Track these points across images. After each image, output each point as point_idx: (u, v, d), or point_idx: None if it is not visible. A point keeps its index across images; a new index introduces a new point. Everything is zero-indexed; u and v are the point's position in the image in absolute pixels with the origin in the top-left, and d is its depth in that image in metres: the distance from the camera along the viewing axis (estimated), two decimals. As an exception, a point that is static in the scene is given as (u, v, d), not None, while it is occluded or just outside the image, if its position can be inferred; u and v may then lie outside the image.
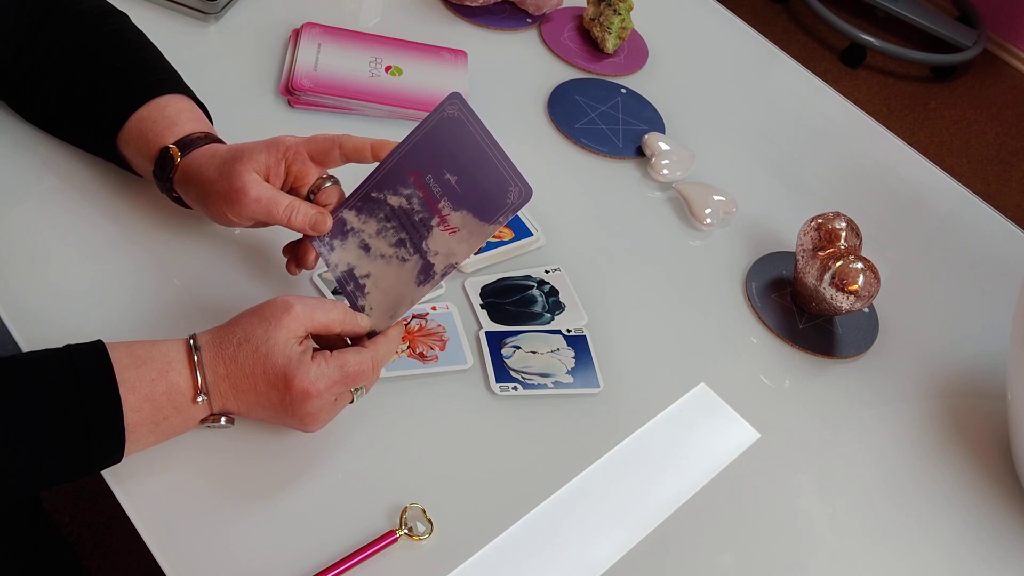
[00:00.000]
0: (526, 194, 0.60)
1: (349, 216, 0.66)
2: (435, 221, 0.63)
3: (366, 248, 0.65)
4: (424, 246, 0.63)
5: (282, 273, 0.73)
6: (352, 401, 0.64)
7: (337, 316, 0.62)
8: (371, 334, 0.65)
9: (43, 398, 0.55)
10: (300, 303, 0.60)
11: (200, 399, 0.59)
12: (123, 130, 0.71)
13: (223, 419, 0.61)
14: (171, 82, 0.74)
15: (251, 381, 0.59)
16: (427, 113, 0.90)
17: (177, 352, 0.59)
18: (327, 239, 0.67)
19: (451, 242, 0.62)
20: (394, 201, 0.64)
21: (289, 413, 0.60)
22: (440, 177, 0.62)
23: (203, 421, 0.61)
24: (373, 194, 0.65)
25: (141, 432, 0.58)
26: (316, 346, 0.62)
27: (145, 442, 0.59)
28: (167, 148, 0.69)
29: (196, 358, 0.59)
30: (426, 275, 0.63)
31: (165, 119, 0.70)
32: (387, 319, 0.64)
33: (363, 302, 0.65)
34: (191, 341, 0.60)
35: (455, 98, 0.62)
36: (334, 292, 0.74)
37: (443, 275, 0.63)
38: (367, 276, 0.65)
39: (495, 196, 0.60)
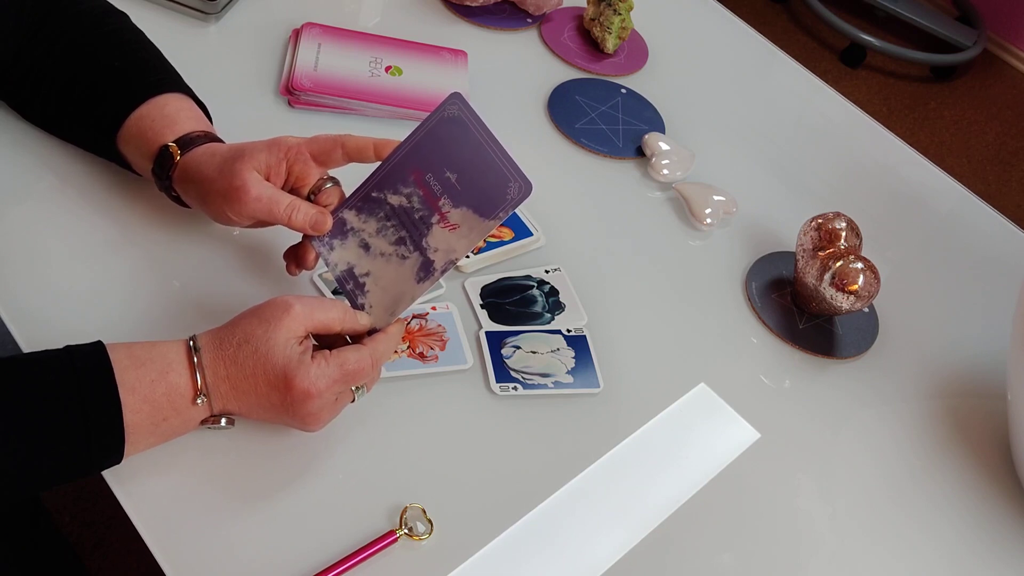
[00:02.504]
0: (526, 189, 0.60)
1: (349, 216, 0.66)
2: (435, 218, 0.63)
3: (366, 247, 0.66)
4: (424, 243, 0.63)
5: (282, 273, 0.73)
6: (353, 400, 0.63)
7: (336, 315, 0.62)
8: (372, 332, 0.65)
9: (43, 399, 0.55)
10: (299, 303, 0.60)
11: (200, 400, 0.59)
12: (123, 129, 0.71)
13: (223, 420, 0.61)
14: (171, 81, 0.74)
15: (251, 382, 0.59)
16: (427, 113, 0.90)
17: (176, 353, 0.59)
18: (327, 239, 0.67)
19: (451, 239, 0.62)
20: (394, 200, 0.65)
21: (290, 413, 0.60)
22: (440, 175, 0.63)
23: (203, 422, 0.61)
24: (374, 194, 0.65)
25: (141, 433, 0.58)
26: (315, 343, 0.62)
27: (145, 443, 0.59)
28: (166, 146, 0.69)
29: (196, 359, 0.59)
30: (426, 272, 0.63)
31: (164, 117, 0.70)
32: (387, 316, 0.64)
33: (363, 300, 0.65)
34: (191, 342, 0.60)
35: (456, 98, 0.62)
36: (334, 292, 0.74)
37: (443, 271, 0.63)
38: (367, 274, 0.65)
39: (495, 192, 0.61)
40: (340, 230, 0.67)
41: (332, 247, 0.67)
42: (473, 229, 0.62)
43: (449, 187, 0.62)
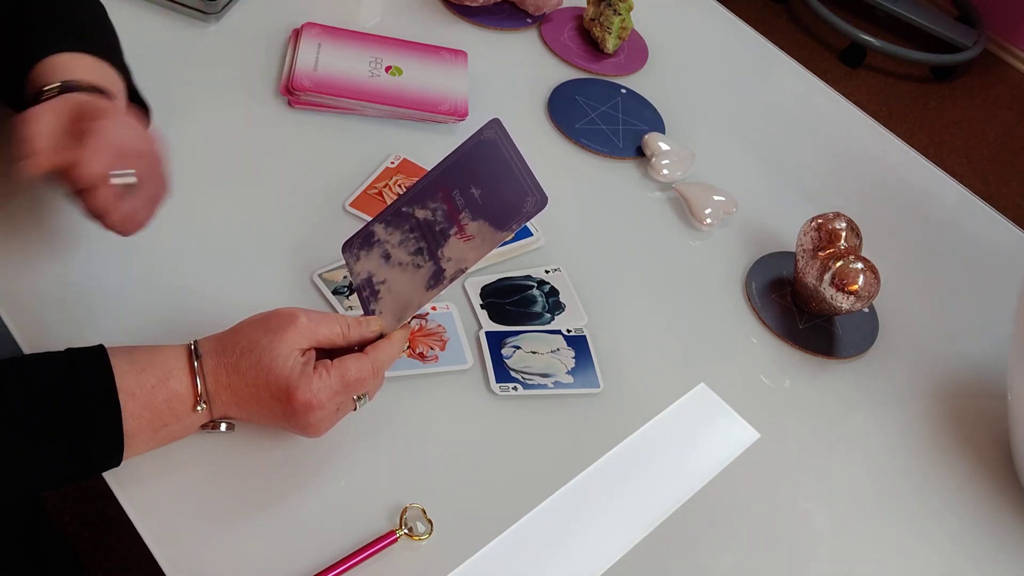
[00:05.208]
0: (541, 202, 0.61)
1: (378, 229, 0.67)
2: (453, 230, 0.63)
3: (387, 257, 0.66)
4: (439, 253, 0.64)
5: (281, 275, 0.73)
6: (355, 409, 0.63)
7: (339, 330, 0.61)
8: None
9: (43, 400, 0.55)
10: (305, 315, 0.60)
11: (200, 407, 0.59)
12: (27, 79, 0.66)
13: (223, 425, 0.61)
14: (83, 43, 0.68)
15: (253, 391, 0.59)
16: (427, 112, 0.90)
17: (178, 359, 0.59)
18: (355, 250, 0.67)
19: (464, 249, 0.63)
20: (420, 214, 0.65)
21: (291, 422, 0.60)
22: (466, 191, 0.64)
23: (203, 427, 0.61)
24: (404, 209, 0.66)
25: (140, 439, 0.58)
26: (317, 347, 0.62)
27: (144, 447, 0.59)
28: (42, 90, 0.64)
29: (197, 365, 0.59)
30: (436, 280, 0.64)
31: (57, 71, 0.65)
32: (395, 322, 0.65)
33: (374, 307, 0.65)
34: (193, 348, 0.60)
35: (495, 123, 0.64)
36: (334, 292, 0.74)
37: (451, 280, 0.63)
38: (383, 282, 0.66)
39: (512, 205, 0.62)
40: (368, 242, 0.67)
41: (359, 258, 0.67)
42: (486, 240, 0.62)
43: (472, 201, 0.63)
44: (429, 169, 0.67)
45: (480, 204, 0.63)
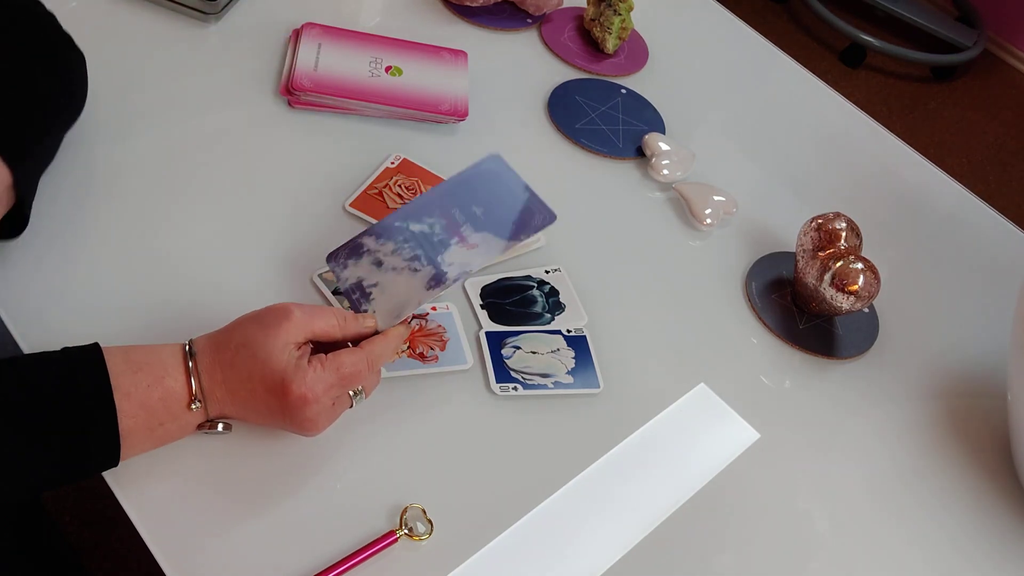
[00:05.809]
0: (549, 218, 0.62)
1: (367, 241, 0.67)
2: (455, 240, 0.64)
3: (378, 264, 0.66)
4: (439, 259, 0.64)
5: (281, 275, 0.73)
6: (351, 406, 0.63)
7: (335, 322, 0.62)
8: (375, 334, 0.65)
9: (39, 402, 0.55)
10: (299, 310, 0.60)
11: (195, 406, 0.59)
12: None
13: (220, 425, 0.61)
14: None
15: (248, 386, 0.59)
16: (427, 113, 0.90)
17: (173, 357, 0.59)
18: (342, 260, 0.67)
19: (468, 254, 0.63)
20: (416, 228, 0.65)
21: (287, 418, 0.60)
22: (467, 210, 0.64)
23: (200, 427, 0.61)
24: (397, 224, 0.66)
25: (137, 438, 0.58)
26: (313, 342, 0.62)
27: (141, 447, 0.59)
28: None
29: (192, 364, 0.59)
30: (437, 281, 0.64)
31: None
32: (391, 320, 0.65)
33: (366, 307, 0.65)
34: (187, 347, 0.60)
35: (494, 157, 0.65)
36: (334, 292, 0.74)
37: (455, 281, 0.64)
38: (375, 285, 0.66)
39: (519, 222, 0.62)
40: (356, 252, 0.67)
41: (346, 266, 0.67)
42: (492, 248, 0.63)
43: (472, 217, 0.64)
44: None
45: (483, 221, 0.64)
